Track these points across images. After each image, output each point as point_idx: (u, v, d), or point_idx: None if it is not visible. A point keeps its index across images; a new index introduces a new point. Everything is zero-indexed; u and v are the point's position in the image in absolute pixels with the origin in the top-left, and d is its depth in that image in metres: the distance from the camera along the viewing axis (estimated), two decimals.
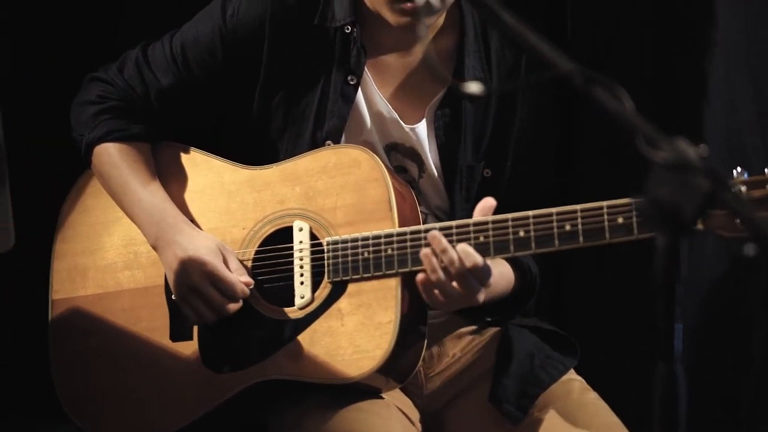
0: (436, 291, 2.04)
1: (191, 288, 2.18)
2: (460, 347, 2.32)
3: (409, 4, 2.10)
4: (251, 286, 2.19)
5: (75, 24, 2.62)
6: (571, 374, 2.29)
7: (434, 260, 2.03)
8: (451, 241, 2.05)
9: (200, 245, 2.20)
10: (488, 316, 2.29)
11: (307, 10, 2.26)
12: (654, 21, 2.55)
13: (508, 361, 2.25)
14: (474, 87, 1.52)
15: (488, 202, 2.08)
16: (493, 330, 2.33)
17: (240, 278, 2.18)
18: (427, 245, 2.06)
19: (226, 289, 2.17)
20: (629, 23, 2.57)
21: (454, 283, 2.03)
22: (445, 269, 2.02)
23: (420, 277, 2.05)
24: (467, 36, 2.25)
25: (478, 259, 2.01)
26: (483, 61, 2.26)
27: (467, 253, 2.01)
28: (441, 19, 2.24)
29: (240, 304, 2.19)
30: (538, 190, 2.30)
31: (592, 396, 2.24)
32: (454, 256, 2.01)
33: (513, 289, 2.21)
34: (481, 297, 2.06)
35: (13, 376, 2.69)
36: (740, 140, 2.60)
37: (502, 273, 2.15)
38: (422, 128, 2.26)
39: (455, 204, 2.25)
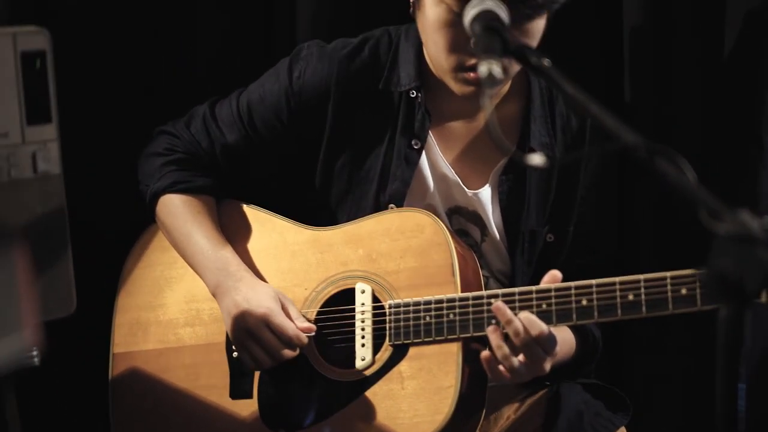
0: (501, 367, 2.05)
1: (248, 332, 2.19)
2: (514, 409, 2.32)
3: (472, 75, 2.12)
4: (311, 333, 2.20)
5: (135, 80, 2.67)
6: (620, 431, 2.28)
7: (499, 335, 2.04)
8: (513, 308, 2.06)
9: (260, 291, 2.22)
10: (548, 381, 2.29)
11: (372, 74, 2.29)
12: (709, 85, 2.55)
13: (557, 419, 2.25)
14: (537, 159, 1.54)
15: (555, 276, 2.09)
16: (545, 390, 2.33)
17: (298, 324, 2.19)
18: (489, 312, 2.07)
19: (281, 334, 2.18)
20: (685, 91, 2.58)
21: (521, 356, 2.04)
22: (509, 341, 2.03)
23: (485, 354, 2.06)
24: (533, 102, 2.28)
25: (543, 327, 2.02)
26: (549, 126, 2.28)
27: (531, 322, 2.03)
28: (506, 86, 2.27)
29: (295, 352, 2.19)
30: (599, 255, 2.31)
31: None
32: (519, 327, 2.02)
33: (574, 354, 2.22)
34: (548, 366, 2.07)
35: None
36: None
37: (564, 339, 2.16)
38: (486, 193, 2.28)
39: (516, 268, 2.27)
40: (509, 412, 2.32)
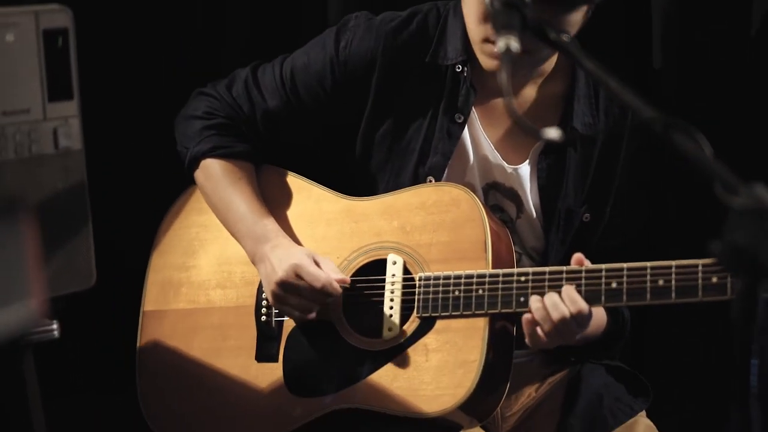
0: (538, 329, 2.06)
1: (281, 285, 2.20)
2: (535, 387, 2.34)
3: (495, 49, 2.11)
4: (346, 284, 2.22)
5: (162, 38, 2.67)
6: (640, 417, 2.28)
7: (541, 300, 2.06)
8: (543, 287, 2.08)
9: (294, 251, 2.24)
10: (574, 357, 2.30)
11: (419, 47, 2.29)
12: (736, 55, 2.52)
13: (576, 400, 2.26)
14: (553, 132, 1.53)
15: (579, 260, 2.09)
16: (567, 369, 2.34)
17: (333, 275, 2.20)
18: (518, 290, 2.10)
19: (312, 280, 2.18)
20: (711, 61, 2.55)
21: (555, 325, 2.05)
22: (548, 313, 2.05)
23: (526, 316, 2.08)
24: (578, 82, 2.27)
25: (582, 306, 2.04)
26: (593, 107, 2.27)
27: (573, 299, 2.04)
28: (550, 65, 2.26)
29: (328, 300, 2.21)
30: (633, 238, 2.31)
31: None
32: (562, 306, 2.04)
33: (603, 331, 2.21)
34: (577, 338, 2.09)
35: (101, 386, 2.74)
36: None
37: (595, 315, 2.14)
38: (525, 170, 2.27)
39: (550, 245, 2.27)
40: (530, 390, 2.33)
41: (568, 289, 2.05)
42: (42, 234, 1.90)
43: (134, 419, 2.36)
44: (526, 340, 2.10)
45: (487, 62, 2.18)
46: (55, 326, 1.99)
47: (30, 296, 0.94)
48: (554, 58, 2.25)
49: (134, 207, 2.63)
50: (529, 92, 2.27)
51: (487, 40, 2.14)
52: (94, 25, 2.29)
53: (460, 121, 2.26)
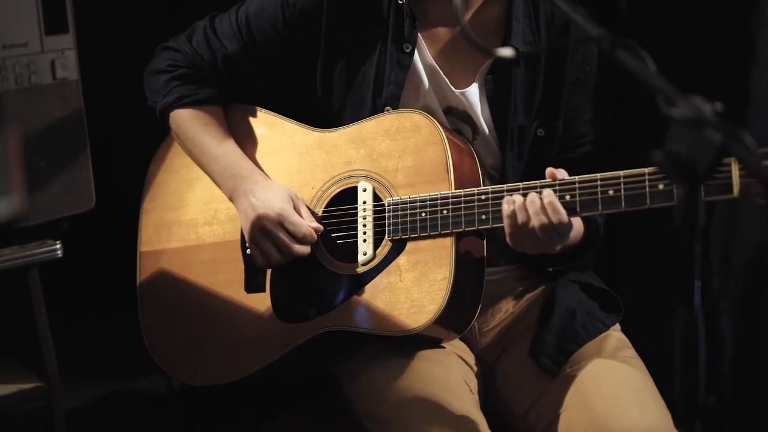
0: (520, 225, 2.13)
1: (263, 230, 2.33)
2: (512, 303, 2.44)
3: None
4: (320, 232, 2.34)
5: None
6: (612, 331, 2.38)
7: (523, 204, 2.12)
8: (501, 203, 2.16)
9: (274, 192, 2.36)
10: (551, 266, 2.38)
11: None
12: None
13: (551, 317, 2.36)
14: (506, 51, 1.62)
15: (551, 173, 2.16)
16: (543, 286, 2.44)
17: (309, 224, 2.33)
18: (480, 209, 2.19)
19: (294, 232, 2.31)
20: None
21: (537, 229, 2.11)
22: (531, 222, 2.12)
23: (508, 209, 2.14)
24: (515, 2, 2.34)
25: (562, 215, 2.10)
26: (533, 24, 2.34)
27: (555, 207, 2.10)
28: None
29: (307, 249, 2.33)
30: (589, 148, 2.38)
31: (628, 353, 2.33)
32: (538, 204, 2.11)
33: (580, 239, 2.29)
34: (558, 248, 2.16)
35: (102, 324, 2.86)
36: None
37: (575, 226, 2.22)
38: (473, 92, 2.35)
39: (507, 163, 2.35)
40: (507, 306, 2.44)
41: (551, 197, 2.10)
42: (43, 160, 2.02)
43: (136, 337, 2.50)
44: (508, 238, 2.16)
45: None
46: (58, 246, 2.11)
47: (13, 191, 1.05)
48: None
49: (133, 136, 2.72)
50: (470, 17, 2.34)
51: None
52: None
53: (408, 50, 2.35)
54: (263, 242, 2.34)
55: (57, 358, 2.19)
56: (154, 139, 2.58)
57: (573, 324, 2.36)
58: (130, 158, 2.61)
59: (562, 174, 2.16)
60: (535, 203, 2.12)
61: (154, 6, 2.72)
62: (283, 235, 2.32)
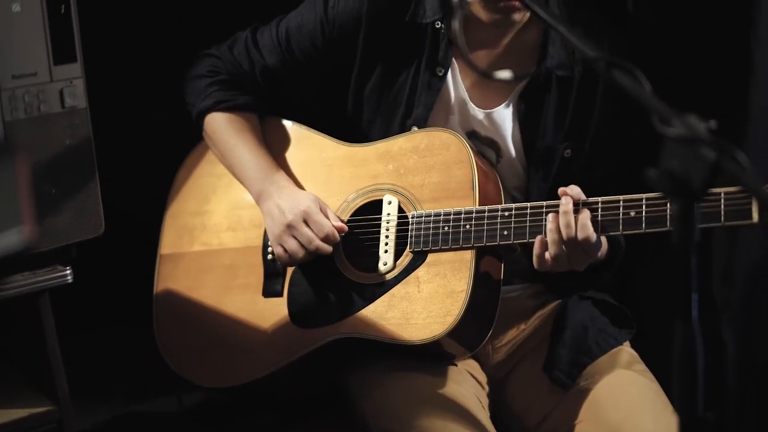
0: (547, 253, 2.17)
1: (288, 226, 2.37)
2: (524, 319, 2.46)
3: (501, 3, 2.24)
4: (344, 233, 2.37)
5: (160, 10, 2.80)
6: (624, 346, 2.40)
7: (556, 224, 2.15)
8: (524, 221, 2.20)
9: (300, 194, 2.41)
10: (566, 282, 2.39)
11: (399, 7, 2.42)
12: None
13: (563, 332, 2.38)
14: (504, 74, 1.66)
15: (562, 191, 2.19)
16: (555, 303, 2.46)
17: (334, 223, 2.36)
18: (502, 225, 2.21)
19: (318, 228, 2.35)
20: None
21: (564, 248, 2.15)
22: (561, 234, 2.15)
23: (540, 237, 2.18)
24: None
25: (590, 233, 2.13)
26: (569, 48, 2.38)
27: (584, 225, 2.14)
28: (527, 14, 2.36)
29: (330, 248, 2.36)
30: (614, 169, 2.40)
31: (640, 368, 2.35)
32: (572, 221, 2.14)
33: (603, 257, 2.31)
34: (584, 266, 2.19)
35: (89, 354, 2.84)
36: None
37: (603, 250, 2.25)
38: (501, 114, 2.39)
39: (532, 183, 2.39)
40: (520, 323, 2.46)
41: (584, 216, 2.13)
42: (53, 187, 2.06)
43: (150, 353, 2.51)
44: (534, 259, 2.19)
45: (489, 16, 2.29)
46: (68, 272, 2.15)
47: (24, 222, 1.08)
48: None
49: (144, 163, 2.76)
50: (508, 41, 2.38)
51: None
52: None
53: (440, 74, 2.40)
54: (287, 239, 2.38)
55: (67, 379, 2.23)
56: (162, 164, 2.63)
57: (586, 339, 2.37)
58: (138, 184, 2.65)
59: (574, 190, 2.18)
60: (567, 214, 2.14)
61: (160, 35, 2.75)
62: (307, 232, 2.35)
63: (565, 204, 2.16)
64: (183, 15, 2.78)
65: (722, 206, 2.05)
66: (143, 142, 2.66)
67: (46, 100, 2.02)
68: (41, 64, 2.00)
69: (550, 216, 2.17)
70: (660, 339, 2.57)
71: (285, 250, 2.39)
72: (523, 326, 2.46)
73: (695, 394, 1.44)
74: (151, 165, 2.64)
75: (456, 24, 1.69)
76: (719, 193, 2.07)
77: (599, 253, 2.22)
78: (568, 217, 2.15)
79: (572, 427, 2.27)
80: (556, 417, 2.31)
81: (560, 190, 2.20)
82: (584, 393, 2.30)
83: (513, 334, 2.45)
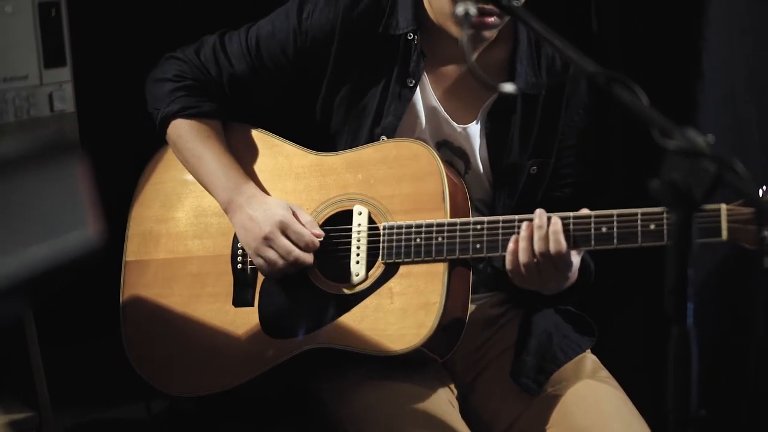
0: (521, 258, 2.20)
1: (265, 238, 2.36)
2: (490, 328, 2.51)
3: (474, 18, 2.25)
4: (321, 238, 2.38)
5: (148, 16, 2.79)
6: (586, 353, 2.46)
7: (530, 233, 2.19)
8: (497, 234, 2.24)
9: (272, 203, 2.40)
10: (540, 304, 2.45)
11: (373, 18, 2.44)
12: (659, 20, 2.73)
13: (528, 339, 2.43)
14: (508, 86, 1.71)
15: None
16: (518, 311, 2.51)
17: (312, 230, 2.37)
18: (474, 237, 2.25)
19: (297, 238, 2.36)
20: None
21: (535, 258, 2.19)
22: (533, 245, 2.18)
23: (511, 245, 2.22)
24: (520, 44, 2.43)
25: (562, 245, 2.17)
26: (535, 67, 2.43)
27: (557, 236, 2.18)
28: (495, 31, 2.41)
29: (311, 257, 2.37)
30: (577, 188, 2.47)
31: (604, 374, 2.41)
32: (544, 232, 2.18)
33: (573, 283, 2.36)
34: (552, 287, 2.25)
35: (86, 349, 2.86)
36: (740, 138, 2.75)
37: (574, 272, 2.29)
38: (474, 129, 2.43)
39: (497, 198, 2.43)
40: (485, 331, 2.50)
41: (556, 225, 2.17)
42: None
43: (121, 361, 2.50)
44: (509, 268, 2.22)
45: (457, 32, 2.30)
46: None
47: (88, 224, 1.09)
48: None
49: (126, 167, 2.74)
50: (477, 57, 2.42)
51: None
52: None
53: (411, 85, 2.42)
54: (266, 251, 2.38)
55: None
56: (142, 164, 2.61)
57: (551, 346, 2.43)
58: (123, 190, 2.62)
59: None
60: (542, 228, 2.18)
61: (149, 40, 2.74)
62: (286, 242, 2.36)
63: (540, 217, 2.20)
64: (172, 20, 2.76)
65: (639, 227, 2.14)
66: (130, 147, 2.64)
67: (35, 103, 2.01)
68: (32, 67, 1.98)
69: (524, 224, 2.20)
70: (615, 345, 2.67)
71: (265, 262, 2.38)
72: (488, 334, 2.50)
73: (689, 392, 1.50)
74: (139, 171, 2.61)
75: (464, 37, 1.73)
76: (636, 214, 2.15)
77: (568, 279, 2.27)
78: (542, 230, 2.19)
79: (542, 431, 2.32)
80: (524, 422, 2.36)
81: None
82: (552, 399, 2.35)
83: (478, 342, 2.49)
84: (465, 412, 2.42)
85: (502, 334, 2.49)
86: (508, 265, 2.23)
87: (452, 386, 2.44)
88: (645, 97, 1.52)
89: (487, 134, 2.42)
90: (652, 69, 2.71)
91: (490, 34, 2.35)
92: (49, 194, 1.04)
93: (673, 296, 1.49)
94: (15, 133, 1.98)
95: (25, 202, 1.02)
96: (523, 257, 2.19)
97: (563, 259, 2.19)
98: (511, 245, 2.21)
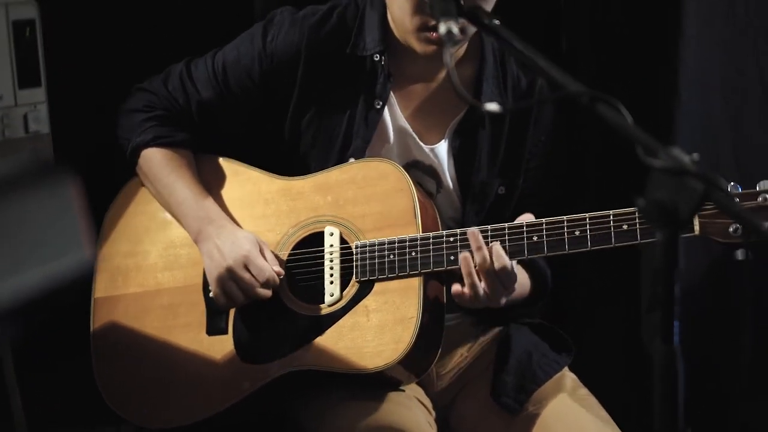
0: (467, 290, 2.23)
1: (228, 270, 2.35)
2: (467, 347, 2.51)
3: (434, 34, 2.28)
4: (282, 276, 2.37)
5: (121, 38, 2.78)
6: (565, 371, 2.47)
7: (470, 263, 2.22)
8: (469, 245, 2.24)
9: (240, 236, 2.39)
10: (498, 320, 2.49)
11: (339, 39, 2.45)
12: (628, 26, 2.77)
13: (507, 359, 2.44)
14: (492, 106, 1.72)
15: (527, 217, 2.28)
16: (496, 330, 2.52)
17: (273, 267, 2.35)
18: (447, 250, 2.26)
19: (258, 273, 2.34)
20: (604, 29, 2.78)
21: (483, 284, 2.22)
22: (477, 268, 2.21)
23: (455, 286, 2.25)
24: (486, 63, 2.45)
25: (506, 261, 2.21)
26: (501, 86, 2.45)
27: (498, 254, 2.21)
28: (462, 49, 2.43)
29: (269, 292, 2.36)
30: (544, 204, 2.47)
31: (583, 392, 2.43)
32: (486, 255, 2.21)
33: (527, 295, 2.41)
34: (503, 301, 2.26)
35: (57, 372, 2.82)
36: (714, 145, 2.81)
37: (520, 282, 2.32)
38: (442, 148, 2.44)
39: (467, 217, 2.44)
40: (462, 351, 2.51)
41: (496, 246, 2.22)
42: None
43: (83, 388, 2.48)
44: (456, 299, 2.26)
45: (423, 48, 2.33)
46: None
47: (84, 244, 1.07)
48: (465, 44, 2.42)
49: (100, 189, 2.71)
50: (443, 75, 2.44)
51: (424, 28, 2.30)
52: (59, 14, 2.35)
53: (378, 106, 2.42)
54: (228, 284, 2.36)
55: None
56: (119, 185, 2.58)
57: (530, 365, 2.43)
58: (97, 212, 2.58)
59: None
60: (483, 253, 2.21)
61: (126, 59, 2.72)
62: (247, 278, 2.34)
63: (476, 240, 2.22)
64: (149, 40, 2.75)
65: (612, 228, 2.17)
66: (104, 169, 2.60)
67: (10, 124, 1.98)
68: (6, 87, 1.95)
69: (462, 257, 2.22)
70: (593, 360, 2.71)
71: (223, 293, 2.37)
72: (465, 353, 2.50)
73: (677, 411, 1.49)
74: (114, 193, 2.58)
75: (447, 57, 1.73)
76: (608, 215, 2.19)
77: (518, 291, 2.29)
78: (483, 251, 2.21)
79: None
80: None
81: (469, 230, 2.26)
82: (532, 417, 2.36)
83: (456, 362, 2.49)
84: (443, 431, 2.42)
85: (482, 353, 2.50)
86: (454, 296, 2.26)
87: (429, 407, 2.44)
88: (629, 116, 1.53)
89: (455, 152, 2.43)
90: (627, 87, 2.75)
91: (454, 50, 2.35)
92: (43, 216, 1.02)
93: (660, 315, 1.49)
94: None
95: (20, 225, 1.00)
96: (469, 285, 2.22)
97: (508, 273, 2.21)
98: (455, 288, 2.24)
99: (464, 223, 2.43)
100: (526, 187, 2.48)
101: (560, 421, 2.33)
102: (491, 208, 2.44)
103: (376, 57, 2.42)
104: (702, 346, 2.78)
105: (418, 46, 2.34)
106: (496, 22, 1.79)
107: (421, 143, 2.43)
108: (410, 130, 2.44)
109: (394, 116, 2.44)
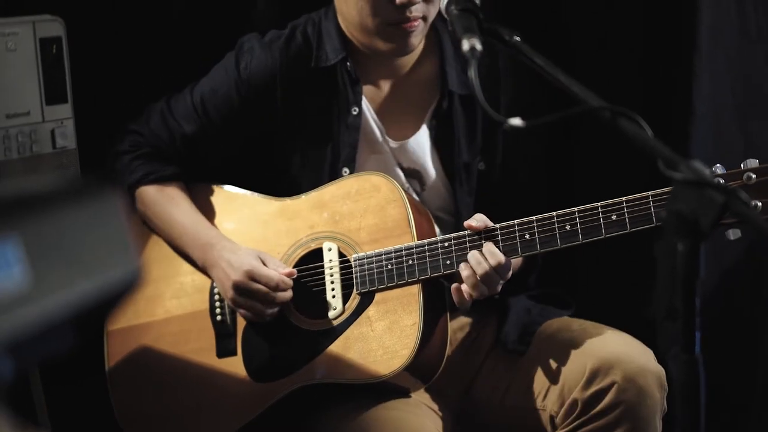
0: (467, 291, 2.29)
1: (238, 290, 2.39)
2: (466, 332, 2.57)
3: (404, 25, 2.33)
4: (293, 276, 2.41)
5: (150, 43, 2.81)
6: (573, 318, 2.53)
7: (470, 267, 2.28)
8: (464, 248, 2.31)
9: (241, 254, 2.43)
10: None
11: (305, 55, 2.51)
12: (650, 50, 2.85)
13: (507, 317, 2.50)
14: (515, 120, 1.71)
15: (479, 218, 2.33)
16: (495, 316, 2.55)
17: (279, 270, 2.40)
18: (443, 255, 2.32)
19: (267, 281, 2.38)
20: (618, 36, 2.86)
21: (481, 283, 2.28)
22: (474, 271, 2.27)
23: (454, 285, 2.31)
24: (446, 53, 2.50)
25: (501, 258, 2.27)
26: (464, 66, 2.42)
27: (493, 253, 2.27)
28: (420, 47, 2.49)
29: (288, 294, 2.40)
30: (530, 186, 2.54)
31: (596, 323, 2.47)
32: (480, 257, 2.27)
33: (518, 270, 2.46)
34: (499, 288, 2.32)
35: (73, 404, 2.81)
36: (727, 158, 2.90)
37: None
38: (420, 139, 2.51)
39: (459, 201, 2.49)
40: (464, 324, 2.56)
41: (488, 245, 2.28)
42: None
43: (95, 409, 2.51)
44: (456, 303, 2.32)
45: (388, 46, 2.39)
46: None
47: (132, 258, 1.11)
48: (423, 39, 2.48)
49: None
50: (408, 72, 2.51)
51: (387, 23, 2.35)
52: (84, 32, 2.36)
53: (356, 112, 2.48)
54: (245, 301, 2.41)
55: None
56: None
57: (530, 316, 2.50)
58: None
59: (479, 219, 2.31)
60: (475, 257, 2.27)
61: (150, 75, 2.74)
62: (257, 288, 2.39)
63: (483, 222, 2.28)
64: (173, 55, 2.78)
65: (601, 219, 2.23)
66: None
67: (38, 140, 2.00)
68: (34, 104, 1.97)
69: (462, 265, 2.28)
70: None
71: (245, 309, 2.42)
72: (467, 327, 2.55)
73: (699, 421, 1.52)
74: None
75: (471, 73, 1.78)
76: (597, 207, 2.23)
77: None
78: (477, 255, 2.27)
79: (550, 368, 2.38)
80: (520, 378, 2.43)
81: (465, 223, 2.32)
82: (543, 346, 2.42)
83: (459, 336, 2.54)
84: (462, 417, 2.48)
85: (483, 321, 2.55)
86: (457, 303, 2.31)
87: (437, 409, 2.47)
88: (650, 130, 1.57)
89: (436, 140, 2.49)
90: (642, 101, 2.82)
91: (416, 41, 2.42)
92: (93, 229, 1.06)
93: (681, 325, 1.52)
94: (19, 170, 1.96)
95: (71, 238, 1.05)
96: (472, 286, 2.27)
97: (503, 267, 2.27)
98: (455, 288, 2.30)
99: (458, 209, 2.48)
100: (505, 163, 2.52)
101: (572, 334, 2.39)
102: (478, 187, 2.49)
103: (340, 64, 2.47)
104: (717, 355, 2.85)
105: (383, 45, 2.39)
106: (517, 38, 1.82)
107: (396, 141, 2.48)
108: (385, 132, 2.49)
109: (370, 119, 2.49)
